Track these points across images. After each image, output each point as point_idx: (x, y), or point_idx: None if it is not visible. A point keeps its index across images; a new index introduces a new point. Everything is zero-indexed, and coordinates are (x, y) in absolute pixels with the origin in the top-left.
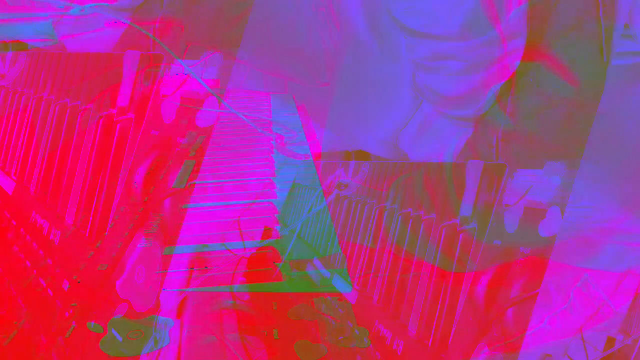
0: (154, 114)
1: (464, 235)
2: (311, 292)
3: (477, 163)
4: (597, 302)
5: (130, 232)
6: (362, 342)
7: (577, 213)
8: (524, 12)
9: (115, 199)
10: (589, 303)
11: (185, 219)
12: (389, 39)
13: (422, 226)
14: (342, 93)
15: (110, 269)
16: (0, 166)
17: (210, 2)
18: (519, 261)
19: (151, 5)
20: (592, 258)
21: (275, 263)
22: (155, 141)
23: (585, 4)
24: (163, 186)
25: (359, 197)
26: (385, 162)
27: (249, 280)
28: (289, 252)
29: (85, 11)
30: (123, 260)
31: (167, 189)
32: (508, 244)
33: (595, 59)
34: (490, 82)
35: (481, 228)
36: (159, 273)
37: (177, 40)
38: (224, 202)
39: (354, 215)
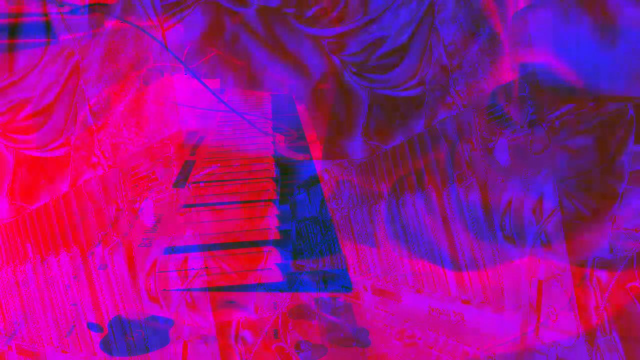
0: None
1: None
2: (311, 292)
3: (447, 120)
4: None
5: (130, 232)
6: (362, 342)
7: None
8: (524, 15)
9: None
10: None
11: (186, 218)
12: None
13: (428, 200)
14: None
15: (110, 268)
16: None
17: None
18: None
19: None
20: None
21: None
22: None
23: None
24: (163, 186)
25: (358, 200)
26: (369, 159)
27: (250, 280)
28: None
29: (85, 11)
30: (123, 261)
31: (168, 189)
32: (509, 177)
33: None
34: (419, 49)
35: (480, 176)
36: (159, 273)
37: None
38: (224, 202)
39: (364, 221)
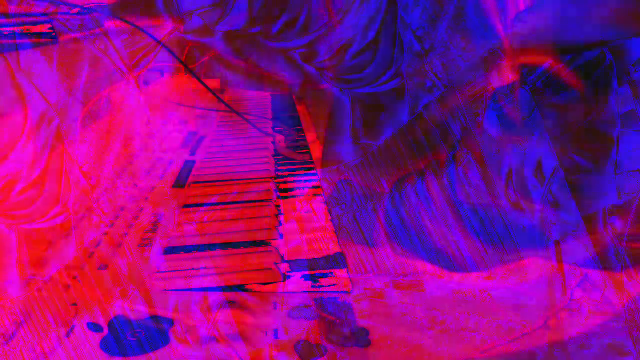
0: None
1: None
2: (311, 292)
3: (431, 104)
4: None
5: (131, 232)
6: (362, 341)
7: None
8: (526, 15)
9: None
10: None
11: (185, 218)
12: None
13: (429, 187)
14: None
15: (110, 268)
16: None
17: None
18: None
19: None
20: None
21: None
22: None
23: None
24: (163, 186)
25: (361, 201)
26: (364, 158)
27: (250, 280)
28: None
29: (85, 11)
30: (123, 261)
31: (168, 189)
32: (504, 147)
33: None
34: (389, 40)
35: (475, 152)
36: (158, 273)
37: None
38: (224, 201)
39: (371, 220)
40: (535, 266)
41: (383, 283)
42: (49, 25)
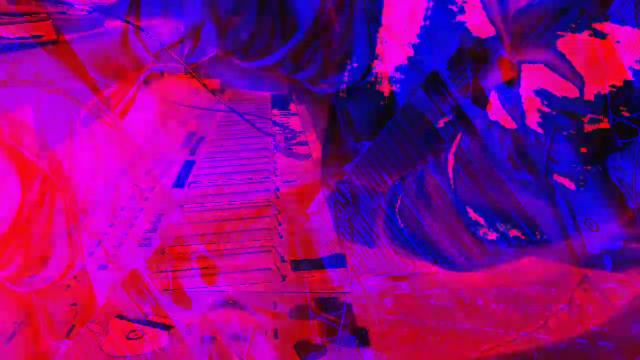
0: None
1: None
2: (311, 292)
3: (417, 91)
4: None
5: (131, 232)
6: (362, 340)
7: None
8: (527, 12)
9: None
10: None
11: (186, 218)
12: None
13: (429, 173)
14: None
15: (110, 269)
16: None
17: None
18: None
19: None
20: None
21: (275, 263)
22: None
23: None
24: (163, 186)
25: (366, 201)
26: (362, 158)
27: (250, 280)
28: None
29: (85, 11)
30: (124, 260)
31: (168, 189)
32: (497, 119)
33: None
34: (365, 41)
35: (470, 129)
36: (159, 273)
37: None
38: (224, 202)
39: (380, 217)
40: (552, 231)
41: (401, 278)
42: (49, 25)
